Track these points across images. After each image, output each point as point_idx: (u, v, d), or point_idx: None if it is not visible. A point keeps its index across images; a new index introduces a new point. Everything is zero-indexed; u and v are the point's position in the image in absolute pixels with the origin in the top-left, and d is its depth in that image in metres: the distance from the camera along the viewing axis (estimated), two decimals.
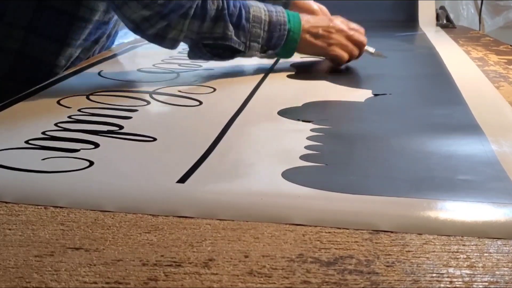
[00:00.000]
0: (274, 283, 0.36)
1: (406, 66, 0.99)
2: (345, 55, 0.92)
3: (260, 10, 0.86)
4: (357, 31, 0.94)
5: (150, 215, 0.44)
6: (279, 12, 0.87)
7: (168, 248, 0.40)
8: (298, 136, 0.61)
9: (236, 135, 0.62)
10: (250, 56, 0.88)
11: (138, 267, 0.37)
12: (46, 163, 0.53)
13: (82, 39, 0.93)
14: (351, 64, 0.95)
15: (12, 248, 0.40)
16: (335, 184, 0.49)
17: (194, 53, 0.87)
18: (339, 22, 0.93)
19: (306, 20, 0.89)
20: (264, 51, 0.88)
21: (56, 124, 0.64)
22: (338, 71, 0.93)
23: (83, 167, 0.52)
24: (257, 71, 0.91)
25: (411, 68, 0.98)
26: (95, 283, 0.36)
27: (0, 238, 0.41)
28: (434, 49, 1.10)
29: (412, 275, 0.37)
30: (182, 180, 0.49)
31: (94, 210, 0.45)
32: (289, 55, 0.91)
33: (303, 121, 0.66)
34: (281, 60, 0.98)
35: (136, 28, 0.82)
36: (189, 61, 0.98)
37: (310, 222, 0.43)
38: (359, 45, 0.94)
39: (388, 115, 0.70)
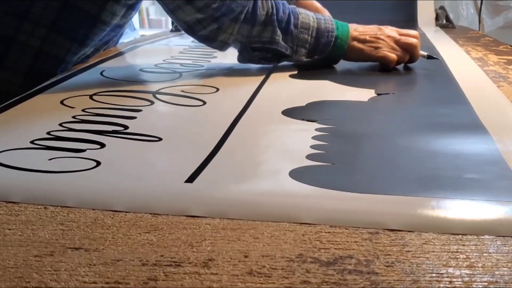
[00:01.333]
0: (274, 283, 0.36)
1: (406, 66, 0.99)
2: (392, 56, 0.92)
3: (308, 17, 0.90)
4: (408, 35, 0.95)
5: (151, 214, 0.44)
6: (327, 20, 0.91)
7: (168, 248, 0.40)
8: (304, 136, 0.61)
9: (241, 135, 0.62)
10: (297, 60, 0.92)
11: (137, 267, 0.37)
12: (53, 163, 0.53)
13: (98, 40, 0.95)
14: (352, 64, 0.95)
15: (12, 248, 0.40)
16: (342, 183, 0.49)
17: (243, 56, 0.91)
18: (389, 30, 0.95)
19: (355, 29, 0.93)
20: (311, 57, 0.91)
21: (60, 124, 0.64)
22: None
23: (90, 167, 0.52)
24: (259, 70, 0.91)
25: (412, 68, 0.98)
26: (95, 283, 0.36)
27: (0, 238, 0.41)
28: (435, 49, 1.11)
29: (412, 275, 0.37)
30: (190, 179, 0.49)
31: (95, 210, 0.45)
32: (336, 61, 0.95)
33: (307, 120, 0.66)
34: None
35: (189, 29, 0.86)
36: (190, 61, 0.98)
37: (319, 221, 0.43)
38: (409, 48, 0.94)
39: (392, 114, 0.70)
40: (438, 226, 0.42)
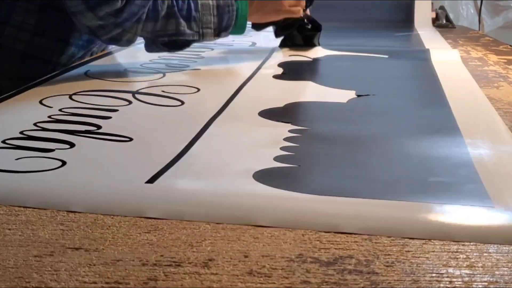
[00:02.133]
0: (274, 283, 0.36)
1: (393, 66, 0.99)
2: (297, 12, 1.00)
3: None
4: None
5: (108, 215, 0.44)
6: None
7: (168, 248, 0.40)
8: (275, 137, 0.60)
9: (213, 136, 0.61)
10: (205, 41, 0.93)
11: (137, 267, 0.37)
12: (19, 163, 0.53)
13: (84, 40, 0.94)
14: (338, 64, 0.95)
15: (12, 248, 0.40)
16: (304, 186, 0.49)
17: (151, 48, 0.91)
18: None
19: None
20: (218, 35, 0.92)
21: (35, 124, 0.64)
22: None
23: (55, 167, 0.52)
24: (244, 71, 0.91)
25: (398, 69, 0.97)
26: (95, 283, 0.36)
27: (0, 238, 0.41)
28: (425, 50, 1.10)
29: (412, 275, 0.37)
30: (151, 180, 0.49)
31: (65, 212, 0.45)
32: (242, 31, 0.96)
33: (282, 122, 0.66)
34: (269, 60, 0.98)
35: (91, 33, 0.85)
36: (177, 61, 0.98)
37: (274, 223, 0.43)
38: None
39: (369, 116, 0.69)
40: (395, 229, 0.42)
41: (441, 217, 0.43)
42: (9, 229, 0.42)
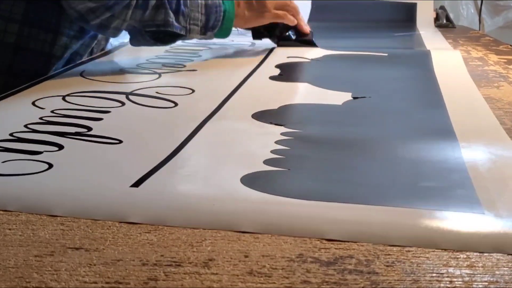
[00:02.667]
0: (274, 283, 0.36)
1: (392, 67, 0.98)
2: (283, 15, 1.00)
3: None
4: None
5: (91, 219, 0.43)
6: None
7: (168, 248, 0.40)
8: (267, 140, 0.60)
9: (204, 138, 0.61)
10: (191, 38, 0.94)
11: (138, 267, 0.38)
12: (6, 165, 0.53)
13: (76, 30, 0.92)
14: (335, 66, 0.94)
15: (12, 248, 0.40)
16: (292, 190, 0.48)
17: (137, 40, 0.91)
18: None
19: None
20: (204, 33, 0.93)
21: (26, 126, 0.63)
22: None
23: (41, 170, 0.51)
24: (241, 72, 0.90)
25: (397, 70, 0.96)
26: (95, 283, 0.36)
27: (0, 238, 0.41)
28: (426, 51, 1.09)
29: (412, 275, 0.37)
30: (137, 184, 0.48)
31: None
32: (227, 34, 0.97)
33: (275, 124, 0.65)
34: (266, 61, 0.97)
35: (80, 18, 0.85)
36: (173, 61, 0.97)
37: (259, 229, 0.42)
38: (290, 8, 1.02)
39: (364, 119, 0.68)
40: (380, 236, 0.41)
41: (428, 223, 0.42)
42: (10, 229, 0.43)
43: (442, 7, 1.56)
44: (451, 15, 1.56)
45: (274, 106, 0.72)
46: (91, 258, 0.38)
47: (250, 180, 0.49)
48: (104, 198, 0.46)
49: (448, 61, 1.01)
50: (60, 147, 0.57)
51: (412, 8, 1.50)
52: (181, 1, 0.88)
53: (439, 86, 0.81)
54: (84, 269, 0.37)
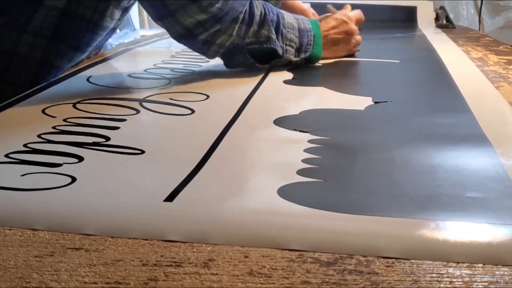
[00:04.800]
0: (274, 283, 0.36)
1: (406, 70, 0.96)
2: (355, 49, 1.04)
3: (290, 17, 0.91)
4: (361, 20, 1.07)
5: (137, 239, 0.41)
6: (304, 20, 0.94)
7: (168, 248, 0.40)
8: (295, 148, 0.57)
9: (229, 147, 0.58)
10: (285, 61, 0.92)
11: (138, 267, 0.38)
12: (25, 179, 0.50)
13: (95, 45, 0.92)
14: (348, 69, 0.92)
15: (12, 248, 0.40)
16: (335, 203, 0.45)
17: (236, 60, 0.88)
18: (353, 24, 1.03)
19: (324, 27, 0.98)
20: (298, 56, 0.92)
21: (39, 136, 0.60)
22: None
23: (64, 184, 0.49)
24: (252, 76, 0.87)
25: (411, 73, 0.94)
26: (95, 283, 0.36)
27: (0, 238, 0.41)
28: (435, 52, 1.07)
29: (412, 275, 0.37)
30: (170, 198, 0.46)
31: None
32: (317, 59, 0.96)
33: (300, 131, 0.62)
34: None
35: (187, 33, 0.81)
36: (181, 66, 0.95)
37: (308, 246, 0.39)
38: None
39: (389, 124, 0.66)
40: (437, 253, 0.39)
41: (484, 238, 0.40)
42: (10, 229, 0.42)
43: (442, 7, 1.55)
44: (451, 15, 1.56)
45: (295, 111, 0.69)
46: (91, 258, 0.38)
47: (288, 193, 0.47)
48: (138, 214, 0.44)
49: (456, 61, 0.99)
50: (80, 158, 0.54)
51: (412, 10, 1.49)
52: (280, 21, 0.88)
53: (459, 89, 0.79)
54: (84, 269, 0.37)
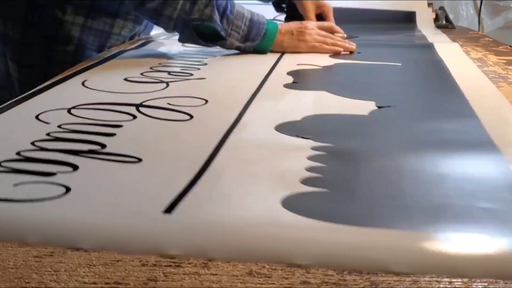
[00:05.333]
0: (274, 283, 0.36)
1: (408, 73, 0.94)
2: (318, 45, 1.07)
3: (243, 9, 1.01)
4: (329, 28, 1.12)
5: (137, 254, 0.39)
6: (260, 15, 1.04)
7: None
8: (298, 156, 0.55)
9: (230, 155, 0.56)
10: (230, 45, 1.02)
11: (137, 267, 0.38)
12: (18, 189, 0.48)
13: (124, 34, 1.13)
14: (350, 73, 0.90)
15: (12, 249, 0.40)
16: (341, 215, 0.44)
17: (184, 36, 1.01)
18: (310, 24, 1.10)
19: (281, 25, 1.07)
20: (243, 42, 1.01)
21: (33, 143, 0.58)
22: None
23: (59, 194, 0.46)
24: (252, 79, 0.85)
25: (413, 76, 0.92)
26: (95, 283, 0.36)
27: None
28: (436, 54, 1.05)
29: (412, 276, 0.37)
30: (169, 209, 0.44)
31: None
32: (265, 51, 1.04)
33: (302, 137, 0.61)
34: (276, 69, 0.93)
35: (140, 2, 0.98)
36: (179, 69, 0.92)
37: (314, 261, 0.38)
38: (330, 31, 1.11)
39: (395, 130, 0.64)
40: (448, 268, 0.37)
41: (498, 252, 0.38)
42: None
43: (441, 8, 1.54)
44: (451, 16, 1.55)
45: (297, 117, 0.67)
46: (91, 258, 0.38)
47: (292, 204, 0.45)
48: (136, 228, 0.42)
49: (458, 63, 0.97)
50: (75, 167, 0.52)
51: (411, 15, 1.48)
52: (228, 8, 0.98)
53: (463, 93, 0.77)
54: (84, 269, 0.37)
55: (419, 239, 0.40)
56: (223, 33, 0.99)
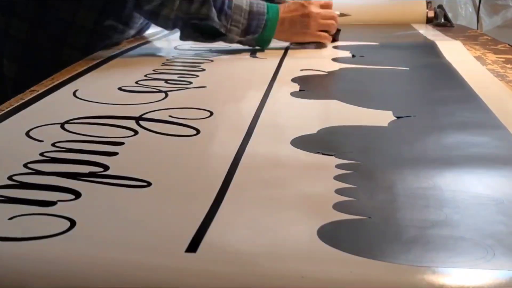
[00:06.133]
0: None
1: (418, 78, 0.90)
2: (324, 37, 1.07)
3: (241, 2, 0.99)
4: (327, 6, 1.08)
5: None
6: (260, 4, 1.00)
7: None
8: (324, 176, 0.50)
9: (247, 177, 0.51)
10: (231, 40, 1.01)
11: None
12: (14, 224, 0.42)
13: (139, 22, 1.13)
14: (360, 78, 0.86)
15: None
16: (390, 249, 0.38)
17: (185, 34, 1.01)
18: (313, 6, 1.05)
19: (283, 11, 1.03)
20: (244, 36, 1.00)
21: (26, 165, 0.52)
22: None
23: (63, 230, 0.41)
24: (256, 87, 0.80)
25: (424, 81, 0.88)
26: None
27: None
28: (443, 57, 1.01)
29: None
30: (193, 247, 0.38)
31: None
32: (266, 44, 1.03)
33: (323, 153, 0.55)
34: (279, 75, 0.87)
35: (137, 4, 1.00)
36: (176, 77, 0.87)
37: None
38: (332, 19, 1.08)
39: (421, 144, 0.59)
40: None
41: None
42: None
43: (440, 6, 1.51)
44: (450, 14, 1.53)
45: (312, 129, 0.62)
46: None
47: (331, 235, 0.40)
48: (157, 271, 0.36)
49: (468, 66, 0.93)
50: (77, 194, 0.47)
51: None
52: (226, 3, 0.97)
53: (481, 98, 0.73)
54: None
55: (481, 279, 0.35)
56: (222, 30, 0.97)
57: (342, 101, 0.74)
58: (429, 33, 1.30)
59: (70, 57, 1.02)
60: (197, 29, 0.98)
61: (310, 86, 0.82)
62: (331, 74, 0.90)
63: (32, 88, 0.79)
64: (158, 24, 1.02)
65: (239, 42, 1.01)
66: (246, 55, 1.03)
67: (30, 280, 0.36)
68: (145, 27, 1.19)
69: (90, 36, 1.06)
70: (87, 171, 0.51)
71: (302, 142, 0.59)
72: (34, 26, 1.05)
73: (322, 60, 0.98)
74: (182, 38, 1.02)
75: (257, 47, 1.05)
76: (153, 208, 0.45)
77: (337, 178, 0.50)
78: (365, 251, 0.38)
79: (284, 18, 1.02)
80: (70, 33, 1.05)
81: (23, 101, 0.73)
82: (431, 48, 1.09)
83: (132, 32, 1.14)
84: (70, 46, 1.06)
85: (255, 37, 1.00)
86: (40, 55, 1.06)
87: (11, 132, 0.63)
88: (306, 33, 1.05)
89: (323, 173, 0.51)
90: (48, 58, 1.05)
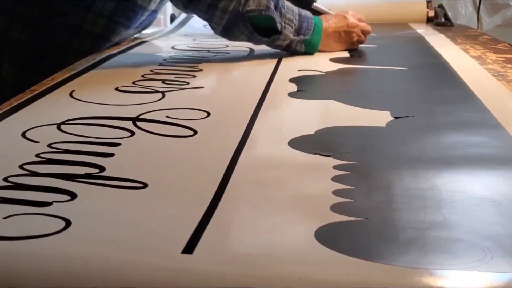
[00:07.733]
0: None
1: (416, 78, 0.89)
2: (362, 41, 1.09)
3: (291, 5, 0.99)
4: (362, 20, 1.10)
5: None
6: (306, 11, 1.02)
7: None
8: (321, 177, 0.50)
9: (244, 178, 0.50)
10: (284, 39, 0.97)
11: None
12: (9, 224, 0.41)
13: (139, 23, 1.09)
14: (357, 78, 0.85)
15: None
16: (389, 252, 0.38)
17: (238, 29, 0.94)
18: (351, 19, 1.06)
19: (326, 21, 1.04)
20: (296, 35, 0.98)
21: (21, 167, 0.52)
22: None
23: (58, 229, 0.40)
24: (254, 88, 0.79)
25: (423, 81, 0.88)
26: None
27: None
28: (440, 57, 1.01)
29: None
30: (189, 248, 0.38)
31: None
32: (314, 49, 1.02)
33: (320, 154, 0.55)
34: (277, 75, 0.87)
35: None
36: (173, 77, 0.86)
37: None
38: (368, 32, 1.10)
39: (419, 145, 0.59)
40: None
41: None
42: None
43: (440, 6, 1.51)
44: (450, 14, 1.52)
45: (309, 130, 0.62)
46: None
47: (328, 237, 0.39)
48: (154, 272, 0.36)
49: (465, 65, 0.93)
50: (72, 195, 0.46)
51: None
52: (280, 2, 0.95)
53: (479, 98, 0.73)
54: None
55: (481, 281, 0.35)
56: (278, 26, 0.95)
57: (340, 101, 0.73)
58: (428, 32, 1.30)
59: (73, 62, 0.99)
60: (251, 25, 0.94)
61: (307, 86, 0.82)
62: (329, 74, 0.89)
63: (32, 88, 0.79)
64: (213, 19, 0.93)
65: (289, 45, 0.98)
66: (244, 55, 1.03)
67: (25, 279, 0.35)
68: (145, 27, 1.16)
69: (96, 41, 1.04)
70: (83, 172, 0.51)
71: (300, 143, 0.58)
72: (37, 31, 1.02)
73: (320, 60, 0.97)
74: (232, 37, 0.97)
75: (306, 52, 1.01)
76: (150, 209, 0.45)
77: (335, 179, 0.49)
78: (362, 252, 0.37)
79: (327, 27, 1.03)
80: (76, 38, 1.03)
81: (21, 100, 0.73)
82: (428, 48, 1.09)
83: (132, 32, 1.12)
84: (75, 51, 1.03)
85: (306, 38, 0.99)
86: (42, 60, 1.03)
87: (7, 132, 0.62)
88: (347, 43, 1.06)
89: (320, 174, 0.51)
90: (50, 63, 1.01)
